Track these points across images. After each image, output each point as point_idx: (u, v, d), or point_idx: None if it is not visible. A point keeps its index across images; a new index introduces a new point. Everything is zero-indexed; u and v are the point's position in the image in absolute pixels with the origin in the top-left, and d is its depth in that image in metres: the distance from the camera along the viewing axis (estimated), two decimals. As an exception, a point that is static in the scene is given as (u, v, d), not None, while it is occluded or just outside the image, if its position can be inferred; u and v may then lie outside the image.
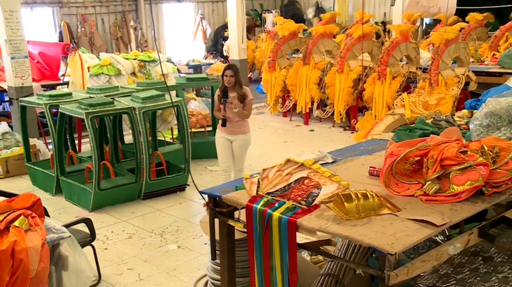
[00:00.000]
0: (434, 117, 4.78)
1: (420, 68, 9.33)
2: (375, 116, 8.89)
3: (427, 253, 2.68)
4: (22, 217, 3.39)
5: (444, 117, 4.67)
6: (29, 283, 3.21)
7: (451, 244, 2.74)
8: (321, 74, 10.02)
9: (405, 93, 8.57)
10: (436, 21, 12.72)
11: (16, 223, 3.33)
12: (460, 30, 9.87)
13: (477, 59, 10.20)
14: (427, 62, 9.37)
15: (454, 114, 5.34)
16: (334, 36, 10.87)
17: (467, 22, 11.71)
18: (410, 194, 2.98)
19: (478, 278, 3.13)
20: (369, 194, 2.79)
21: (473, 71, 8.97)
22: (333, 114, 9.84)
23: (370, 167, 3.39)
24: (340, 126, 9.97)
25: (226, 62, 14.80)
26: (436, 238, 3.42)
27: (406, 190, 3.01)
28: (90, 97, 6.83)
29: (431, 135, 3.37)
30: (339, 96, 9.54)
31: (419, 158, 3.06)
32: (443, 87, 8.46)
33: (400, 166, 3.06)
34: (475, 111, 4.79)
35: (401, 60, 9.36)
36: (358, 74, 9.40)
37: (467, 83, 8.79)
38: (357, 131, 9.08)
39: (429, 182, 2.92)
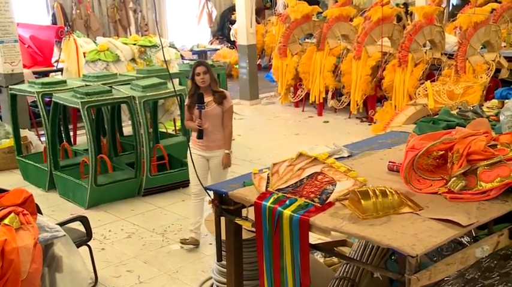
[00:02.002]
0: (460, 108, 4.74)
1: (445, 54, 9.26)
2: (395, 106, 8.85)
3: (452, 255, 2.67)
4: (13, 214, 3.41)
5: (471, 108, 4.64)
6: (20, 285, 3.23)
7: (479, 246, 2.73)
8: (336, 61, 9.98)
9: (428, 81, 8.52)
10: (464, 2, 12.58)
11: (6, 221, 3.36)
12: (491, 12, 9.76)
13: (510, 44, 10.09)
14: (453, 48, 9.29)
15: (483, 105, 5.29)
16: (351, 20, 10.80)
17: (500, 2, 11.57)
18: (434, 192, 2.96)
19: (509, 284, 3.11)
20: (388, 191, 2.78)
21: (505, 57, 8.88)
22: (349, 104, 9.82)
23: (390, 161, 3.38)
24: (356, 118, 9.94)
25: (233, 48, 14.85)
26: (462, 239, 3.41)
27: (428, 186, 3.00)
28: (86, 85, 6.86)
29: (456, 127, 3.35)
30: (355, 85, 9.50)
31: (443, 152, 3.05)
32: (471, 75, 8.40)
33: (423, 161, 3.05)
34: (506, 101, 4.74)
35: (424, 46, 9.30)
36: (376, 60, 9.36)
37: (497, 70, 8.72)
38: (375, 123, 9.05)
39: (454, 178, 2.91)
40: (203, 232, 5.44)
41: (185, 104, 5.12)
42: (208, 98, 4.94)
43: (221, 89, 5.08)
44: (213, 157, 5.03)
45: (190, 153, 4.61)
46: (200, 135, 4.94)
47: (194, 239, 5.19)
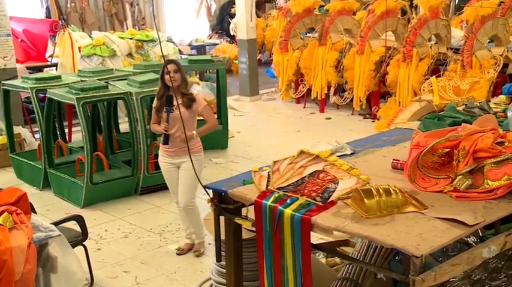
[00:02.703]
0: (466, 104, 4.74)
1: (451, 49, 9.26)
2: (399, 102, 8.85)
3: (458, 256, 2.67)
4: (6, 213, 3.42)
5: (478, 104, 4.63)
6: (14, 286, 3.24)
7: (485, 246, 2.73)
8: (339, 56, 9.98)
9: (434, 77, 8.51)
10: (471, -5, 12.57)
11: (-1, 220, 3.36)
12: (499, 5, 9.74)
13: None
14: (459, 42, 9.29)
15: (490, 101, 5.29)
16: (354, 13, 10.79)
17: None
18: (439, 190, 2.96)
19: (516, 285, 3.12)
20: (391, 190, 2.78)
21: (513, 52, 8.89)
22: (351, 100, 9.82)
23: (393, 159, 3.38)
24: (359, 114, 9.94)
25: (233, 42, 14.83)
26: (468, 239, 3.41)
27: (433, 185, 3.00)
28: (81, 81, 6.85)
29: (463, 124, 3.34)
30: (358, 81, 9.50)
31: (449, 149, 3.05)
32: (478, 70, 8.39)
33: (427, 159, 3.05)
34: (514, 97, 4.74)
35: (429, 40, 9.29)
36: (380, 55, 9.35)
37: (505, 65, 8.71)
38: (378, 120, 9.06)
39: (460, 176, 2.91)
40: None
41: (153, 106, 4.94)
42: (178, 100, 4.70)
43: (191, 92, 4.94)
44: (182, 163, 4.83)
45: (161, 161, 4.67)
46: (166, 141, 4.76)
47: (189, 244, 5.15)
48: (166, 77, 4.71)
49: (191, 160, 3.96)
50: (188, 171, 4.72)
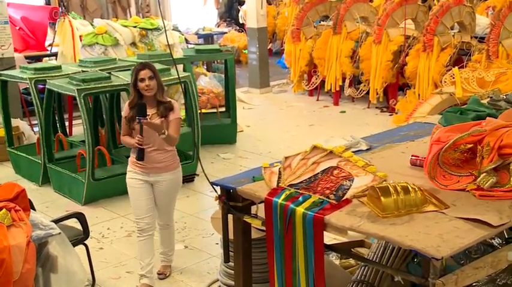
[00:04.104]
0: (491, 97, 4.71)
1: (476, 37, 9.18)
2: (419, 95, 8.82)
3: (481, 258, 2.67)
4: (4, 210, 3.44)
5: (504, 97, 4.60)
6: (12, 286, 3.26)
7: (511, 249, 2.71)
8: (355, 46, 9.94)
9: (456, 67, 8.46)
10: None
11: (-3, 217, 3.39)
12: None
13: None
14: (484, 30, 9.21)
15: (516, 93, 5.25)
16: (371, 0, 10.73)
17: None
18: (461, 188, 2.95)
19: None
20: (410, 188, 2.78)
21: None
22: (367, 93, 9.79)
23: (412, 155, 3.37)
24: (376, 108, 9.91)
25: (242, 31, 14.82)
26: (492, 241, 3.40)
27: (455, 183, 2.99)
28: (82, 71, 6.88)
29: (487, 118, 3.32)
30: (375, 72, 9.46)
31: (472, 145, 3.03)
32: (504, 60, 8.33)
33: (449, 155, 3.04)
34: (543, 89, 4.71)
35: (452, 28, 9.23)
36: (399, 45, 9.31)
37: (534, 55, 8.64)
38: (396, 113, 9.01)
39: (484, 174, 2.89)
40: (209, 231, 5.46)
41: (122, 115, 4.50)
42: (151, 110, 4.37)
43: (168, 99, 4.47)
44: (160, 182, 4.45)
45: (130, 177, 4.36)
46: (140, 156, 4.31)
47: (148, 285, 4.53)
48: (140, 85, 4.30)
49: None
50: (168, 189, 4.49)
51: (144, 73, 4.30)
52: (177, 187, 4.60)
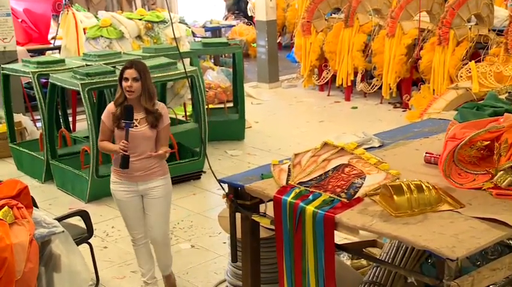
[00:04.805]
0: (510, 92, 4.69)
1: (494, 30, 9.14)
2: (434, 90, 8.78)
3: (498, 260, 2.66)
4: (6, 207, 3.45)
5: (522, 92, 4.59)
6: (14, 286, 3.28)
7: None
8: (367, 39, 9.91)
9: (473, 61, 8.42)
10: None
11: (-1, 215, 3.40)
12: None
13: None
14: (503, 22, 9.15)
15: (535, 89, 5.23)
16: (384, -8, 10.70)
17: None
18: (477, 187, 2.95)
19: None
20: (424, 186, 2.77)
21: None
22: (380, 88, 9.76)
23: (427, 153, 3.37)
24: (389, 103, 9.89)
25: (250, 24, 14.80)
26: (510, 241, 3.38)
27: (471, 181, 2.98)
28: (86, 65, 6.90)
29: (505, 114, 3.31)
30: (388, 66, 9.43)
31: (489, 142, 3.02)
32: (524, 54, 8.28)
33: (465, 152, 3.03)
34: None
35: (469, 21, 9.18)
36: (413, 38, 9.27)
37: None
38: (410, 109, 8.99)
39: (501, 172, 2.88)
40: (216, 229, 5.47)
41: (102, 118, 4.17)
42: (139, 115, 4.07)
43: (155, 107, 4.12)
44: (151, 189, 4.13)
45: (115, 189, 4.10)
46: (125, 164, 3.96)
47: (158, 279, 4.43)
48: (123, 84, 4.03)
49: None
50: (161, 198, 4.17)
51: (129, 73, 4.01)
52: (170, 193, 4.29)
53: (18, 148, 7.34)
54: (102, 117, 4.16)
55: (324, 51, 10.44)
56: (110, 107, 4.15)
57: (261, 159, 7.07)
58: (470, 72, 8.26)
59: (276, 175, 3.20)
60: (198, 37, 11.99)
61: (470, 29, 8.99)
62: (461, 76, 8.41)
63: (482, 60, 8.55)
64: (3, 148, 7.67)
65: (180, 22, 9.91)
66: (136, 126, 4.02)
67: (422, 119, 6.16)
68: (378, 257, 3.66)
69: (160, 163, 4.16)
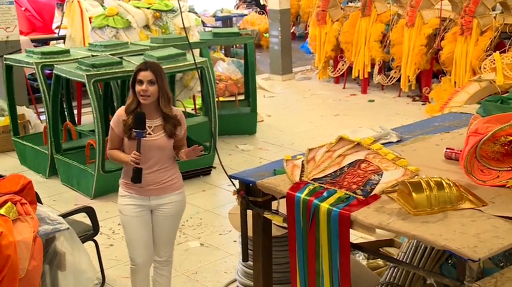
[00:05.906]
0: (534, 85, 4.66)
1: (519, 19, 9.08)
2: (455, 82, 8.76)
3: (522, 260, 2.65)
4: (9, 203, 3.48)
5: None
6: (18, 284, 3.31)
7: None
8: (385, 29, 9.89)
9: (497, 52, 8.37)
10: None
11: (2, 211, 3.43)
12: None
13: None
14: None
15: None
16: (404, -21, 10.65)
17: None
18: (501, 184, 2.94)
19: None
20: (444, 183, 2.76)
21: None
22: (398, 80, 9.74)
23: (447, 148, 3.36)
24: (408, 96, 9.86)
25: (263, 13, 14.80)
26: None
27: (494, 178, 2.97)
28: (92, 56, 6.92)
29: (530, 108, 3.30)
30: (407, 58, 9.40)
31: (513, 137, 3.00)
32: (551, 45, 8.23)
33: (488, 148, 3.02)
34: None
35: (493, 9, 9.13)
36: (434, 28, 9.24)
37: None
38: (430, 102, 8.96)
39: (526, 168, 2.87)
40: (227, 227, 5.48)
41: (111, 124, 3.86)
42: (154, 121, 3.78)
43: (174, 111, 3.84)
44: (163, 205, 3.85)
45: (123, 203, 3.78)
46: (137, 178, 3.68)
47: None
48: (137, 87, 3.71)
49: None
50: (174, 214, 3.92)
51: (144, 75, 3.69)
52: (182, 211, 4.02)
53: (21, 141, 7.38)
54: (111, 123, 3.85)
55: (339, 41, 10.42)
56: (120, 112, 3.82)
57: (273, 154, 7.07)
58: (494, 63, 8.21)
59: (289, 170, 3.20)
60: (208, 27, 12.01)
61: (495, 17, 8.94)
62: (484, 68, 8.37)
63: (508, 51, 8.50)
64: (6, 142, 7.71)
65: (189, 11, 9.93)
66: (149, 134, 3.73)
67: (442, 113, 6.14)
68: (395, 257, 3.66)
69: (176, 174, 3.91)
